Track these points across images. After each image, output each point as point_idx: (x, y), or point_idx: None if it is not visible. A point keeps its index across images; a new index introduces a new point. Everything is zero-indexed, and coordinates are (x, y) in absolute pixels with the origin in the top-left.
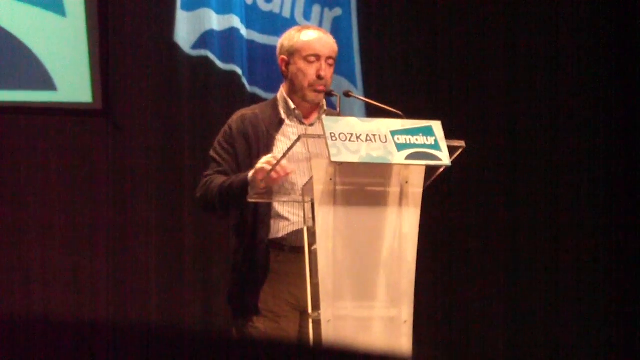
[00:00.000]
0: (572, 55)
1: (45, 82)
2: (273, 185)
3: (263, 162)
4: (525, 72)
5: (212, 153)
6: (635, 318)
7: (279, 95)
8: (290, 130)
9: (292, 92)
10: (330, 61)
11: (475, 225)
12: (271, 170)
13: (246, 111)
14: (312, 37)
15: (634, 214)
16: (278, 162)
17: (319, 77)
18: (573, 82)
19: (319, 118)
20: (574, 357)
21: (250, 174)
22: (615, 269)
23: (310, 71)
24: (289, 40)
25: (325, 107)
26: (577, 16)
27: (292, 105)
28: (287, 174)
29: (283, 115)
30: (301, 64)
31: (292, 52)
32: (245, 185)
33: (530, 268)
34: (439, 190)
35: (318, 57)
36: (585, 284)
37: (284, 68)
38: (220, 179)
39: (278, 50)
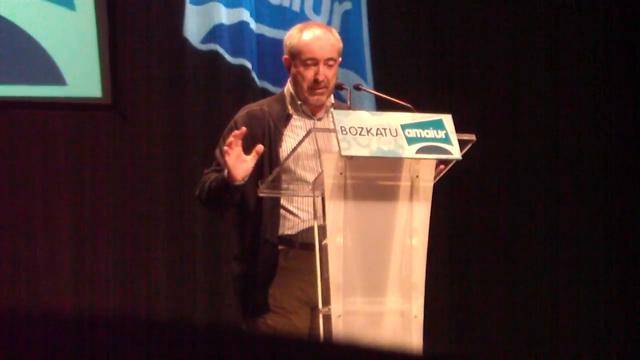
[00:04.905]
0: (574, 53)
1: (55, 76)
2: (245, 177)
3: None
4: (529, 67)
5: (216, 151)
6: (636, 317)
7: (285, 90)
8: (298, 124)
9: (296, 91)
10: (331, 62)
11: (486, 219)
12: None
13: (253, 107)
14: (310, 39)
15: (635, 212)
16: (288, 156)
17: (316, 81)
18: (575, 80)
19: (327, 113)
20: (578, 353)
21: (226, 170)
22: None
23: (308, 75)
24: (290, 40)
25: (333, 101)
26: (580, 12)
27: (299, 101)
28: (241, 134)
29: (290, 110)
30: (300, 68)
31: (292, 54)
32: (224, 182)
33: (543, 263)
34: (451, 185)
35: (316, 60)
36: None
37: (287, 67)
38: (212, 178)
39: (283, 48)
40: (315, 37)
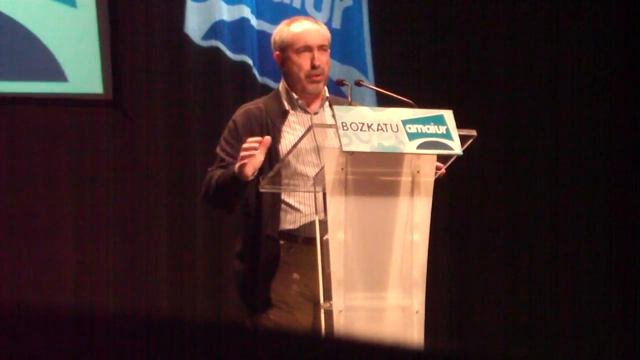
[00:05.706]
0: (574, 53)
1: (56, 73)
2: (254, 171)
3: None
4: (530, 64)
5: (217, 149)
6: (636, 317)
7: (280, 87)
8: (295, 120)
9: (291, 85)
10: (324, 48)
11: (487, 216)
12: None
13: (250, 105)
14: (300, 29)
15: (635, 211)
16: (289, 152)
17: (313, 66)
18: (575, 80)
19: (322, 107)
20: (578, 353)
21: (237, 165)
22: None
23: (304, 62)
24: (280, 35)
25: (327, 94)
26: (580, 12)
27: (295, 96)
28: (267, 143)
29: (287, 107)
30: (294, 57)
31: (284, 47)
32: (234, 178)
33: (543, 261)
34: (452, 180)
35: (309, 47)
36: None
37: (279, 63)
38: (217, 175)
39: (272, 46)
40: (305, 27)
